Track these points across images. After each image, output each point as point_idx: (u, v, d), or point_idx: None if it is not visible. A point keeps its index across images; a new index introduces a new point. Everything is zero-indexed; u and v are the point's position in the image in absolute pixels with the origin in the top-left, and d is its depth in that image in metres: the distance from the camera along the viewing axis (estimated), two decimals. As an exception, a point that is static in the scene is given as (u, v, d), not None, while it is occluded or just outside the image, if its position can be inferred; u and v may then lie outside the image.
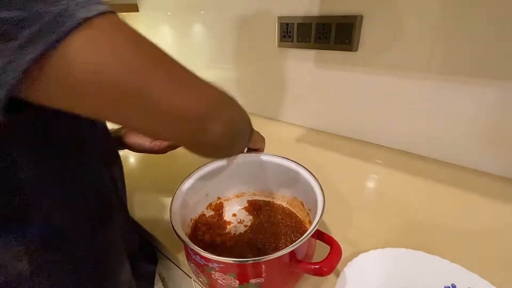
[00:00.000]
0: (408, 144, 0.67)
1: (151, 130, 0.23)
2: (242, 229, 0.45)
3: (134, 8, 1.12)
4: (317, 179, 0.40)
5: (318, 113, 0.80)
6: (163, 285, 0.56)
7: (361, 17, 0.60)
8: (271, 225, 0.44)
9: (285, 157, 0.45)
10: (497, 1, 0.47)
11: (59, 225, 0.28)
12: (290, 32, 0.71)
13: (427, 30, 0.55)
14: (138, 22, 1.16)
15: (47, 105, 0.19)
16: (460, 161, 0.61)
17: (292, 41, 0.72)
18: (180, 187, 0.40)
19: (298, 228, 0.43)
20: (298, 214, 0.46)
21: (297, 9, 0.69)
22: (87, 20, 0.17)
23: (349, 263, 0.37)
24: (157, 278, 0.50)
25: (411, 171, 0.60)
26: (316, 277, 0.36)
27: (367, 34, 0.61)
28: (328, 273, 0.31)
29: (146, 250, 0.45)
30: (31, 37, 0.16)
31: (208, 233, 0.42)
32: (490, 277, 0.35)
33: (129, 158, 0.70)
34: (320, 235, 0.36)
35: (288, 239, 0.41)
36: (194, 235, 0.42)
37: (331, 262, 0.31)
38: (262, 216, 0.47)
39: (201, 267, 0.33)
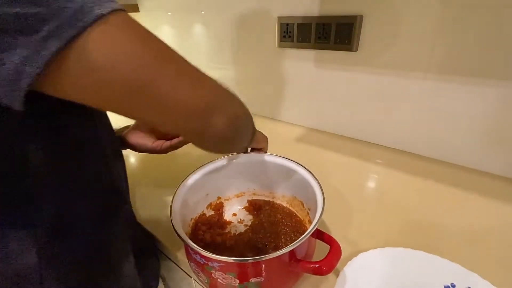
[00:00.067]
0: (408, 144, 0.67)
1: (159, 122, 0.24)
2: (242, 228, 0.45)
3: (135, 8, 1.13)
4: (316, 179, 0.40)
5: (318, 113, 0.80)
6: (163, 284, 0.56)
7: (361, 17, 0.60)
8: (271, 225, 0.44)
9: (285, 156, 0.45)
10: (497, 1, 0.47)
11: (67, 218, 0.29)
12: (290, 32, 0.72)
13: (427, 30, 0.55)
14: (138, 22, 1.16)
15: (62, 97, 0.20)
16: (460, 161, 0.61)
17: (292, 41, 0.72)
18: (180, 186, 0.41)
19: (298, 228, 0.43)
20: (298, 214, 0.46)
21: (297, 9, 0.69)
22: (102, 16, 0.18)
23: (349, 263, 0.38)
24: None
25: (411, 171, 0.60)
26: (316, 276, 0.36)
27: (367, 34, 0.62)
28: (327, 272, 0.31)
29: (150, 247, 0.45)
30: (52, 31, 0.17)
31: (209, 232, 0.43)
32: (490, 277, 0.35)
33: (129, 158, 0.70)
34: (320, 234, 0.36)
35: (288, 239, 0.42)
36: (195, 235, 0.42)
37: (331, 262, 0.31)
38: (262, 215, 0.47)
39: (201, 266, 0.33)
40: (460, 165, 0.61)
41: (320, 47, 0.68)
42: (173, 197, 0.39)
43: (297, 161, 0.44)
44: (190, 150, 0.49)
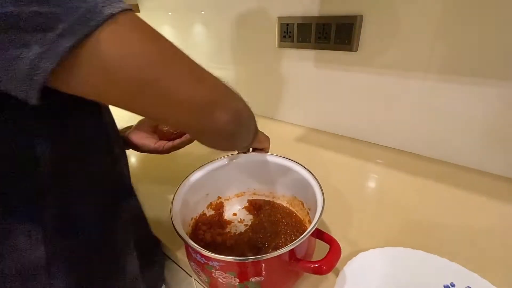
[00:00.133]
0: (408, 144, 0.67)
1: (165, 117, 0.25)
2: (242, 228, 0.45)
3: (135, 8, 1.13)
4: (316, 179, 0.40)
5: (318, 113, 0.80)
6: (164, 284, 0.56)
7: (361, 17, 0.60)
8: (271, 225, 0.45)
9: (285, 156, 0.45)
10: (498, 1, 0.47)
11: (75, 213, 0.30)
12: (290, 32, 0.72)
13: (427, 30, 0.55)
14: (139, 22, 1.16)
15: (75, 93, 0.21)
16: (460, 161, 0.61)
17: (292, 41, 0.72)
18: (180, 186, 0.41)
19: (298, 228, 0.43)
20: (298, 214, 0.46)
21: (297, 9, 0.69)
22: (112, 16, 0.19)
23: (348, 262, 0.38)
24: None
25: (411, 171, 0.60)
26: (316, 276, 0.36)
27: (367, 34, 0.62)
28: (327, 271, 0.31)
29: (155, 247, 0.45)
30: (66, 29, 0.18)
31: (209, 232, 0.43)
32: (490, 277, 0.35)
33: (129, 158, 0.70)
34: (319, 234, 0.36)
35: (288, 238, 0.42)
36: (195, 234, 0.42)
37: (331, 261, 0.31)
38: (262, 215, 0.47)
39: (202, 266, 0.33)
40: (460, 165, 0.61)
41: (320, 47, 0.68)
42: (174, 196, 0.39)
43: (297, 161, 0.44)
44: (190, 150, 0.50)
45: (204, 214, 0.47)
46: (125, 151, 0.40)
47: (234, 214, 0.49)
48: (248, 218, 0.48)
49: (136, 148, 0.47)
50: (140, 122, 0.49)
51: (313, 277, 0.38)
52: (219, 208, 0.48)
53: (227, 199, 0.50)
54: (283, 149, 0.49)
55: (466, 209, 0.50)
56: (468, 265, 0.37)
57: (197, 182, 0.43)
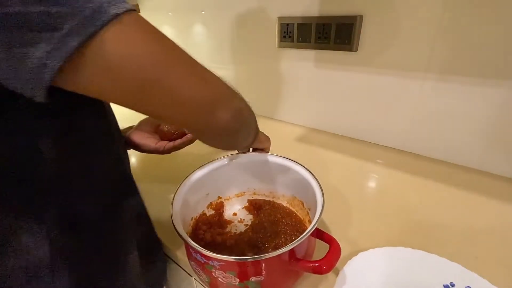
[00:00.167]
0: (408, 144, 0.67)
1: (168, 116, 0.25)
2: (242, 228, 0.45)
3: (135, 8, 1.13)
4: (316, 179, 0.40)
5: (318, 113, 0.80)
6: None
7: (361, 17, 0.61)
8: (271, 224, 0.45)
9: (285, 156, 0.45)
10: (498, 1, 0.47)
11: (78, 211, 0.30)
12: (290, 32, 0.72)
13: (427, 30, 0.55)
14: (139, 22, 1.16)
15: (80, 92, 0.21)
16: (461, 160, 0.61)
17: (292, 41, 0.72)
18: (181, 186, 0.41)
19: (298, 227, 0.44)
20: (298, 213, 0.46)
21: (297, 9, 0.69)
22: (117, 16, 0.19)
23: (348, 262, 0.38)
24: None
25: (411, 171, 0.60)
26: (316, 275, 0.37)
27: (367, 34, 0.62)
28: (327, 271, 0.31)
29: (157, 247, 0.45)
30: (73, 29, 0.18)
31: (209, 232, 0.43)
32: (490, 277, 0.35)
33: (130, 158, 0.70)
34: (319, 234, 0.36)
35: (288, 238, 0.42)
36: (195, 234, 0.42)
37: (330, 260, 0.31)
38: (262, 215, 0.47)
39: (202, 265, 0.33)
40: (460, 165, 0.61)
41: (320, 47, 0.68)
42: (174, 196, 0.39)
43: (297, 161, 0.44)
44: (191, 150, 0.50)
45: (204, 214, 0.47)
46: (127, 151, 0.40)
47: (234, 214, 0.49)
48: (248, 218, 0.48)
49: (137, 148, 0.47)
50: (141, 122, 0.50)
51: (313, 277, 0.38)
52: (219, 208, 0.48)
53: (227, 199, 0.50)
54: (283, 149, 0.49)
55: (466, 209, 0.50)
56: (468, 265, 0.37)
57: (197, 182, 0.43)
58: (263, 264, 0.31)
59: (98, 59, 0.19)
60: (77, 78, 0.20)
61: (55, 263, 0.28)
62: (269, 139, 0.46)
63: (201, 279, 0.37)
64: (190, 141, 0.48)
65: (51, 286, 0.29)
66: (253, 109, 0.33)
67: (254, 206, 0.49)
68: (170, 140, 0.48)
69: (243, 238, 0.43)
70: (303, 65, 0.75)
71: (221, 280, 0.32)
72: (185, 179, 0.42)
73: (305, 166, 0.43)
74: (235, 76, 0.94)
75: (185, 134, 0.49)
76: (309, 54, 0.73)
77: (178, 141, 0.47)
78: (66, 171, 0.28)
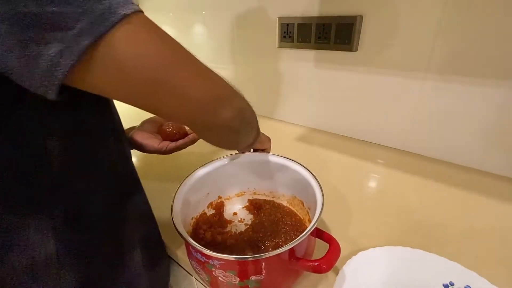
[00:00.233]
0: (408, 144, 0.67)
1: (173, 114, 0.26)
2: (242, 227, 0.46)
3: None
4: (316, 178, 0.40)
5: (318, 113, 0.80)
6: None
7: (361, 17, 0.61)
8: (271, 224, 0.45)
9: (285, 156, 0.45)
10: (498, 1, 0.47)
11: (84, 207, 0.30)
12: (290, 32, 0.72)
13: (427, 30, 0.55)
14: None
15: (90, 90, 0.22)
16: (461, 160, 0.61)
17: (292, 41, 0.72)
18: (181, 186, 0.41)
19: (298, 227, 0.44)
20: (298, 213, 0.46)
21: (297, 9, 0.69)
22: (126, 16, 0.20)
23: (348, 261, 0.38)
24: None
25: (411, 171, 0.60)
26: (316, 274, 0.37)
27: (367, 34, 0.62)
28: (326, 270, 0.31)
29: (161, 248, 0.46)
30: (84, 29, 0.19)
31: (209, 231, 0.43)
32: (489, 276, 0.35)
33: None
34: (319, 233, 0.36)
35: (288, 238, 0.42)
36: (195, 234, 0.43)
37: (330, 260, 0.31)
38: (262, 214, 0.47)
39: (202, 264, 0.33)
40: (460, 165, 0.61)
41: (320, 47, 0.68)
42: (174, 196, 0.39)
43: (297, 161, 0.44)
44: (192, 150, 0.50)
45: (205, 213, 0.47)
46: (129, 152, 0.40)
47: (235, 214, 0.49)
48: (248, 218, 0.48)
49: (140, 148, 0.47)
50: (144, 123, 0.50)
51: (313, 276, 0.38)
52: (219, 207, 0.49)
53: (228, 199, 0.50)
54: (283, 149, 0.49)
55: (466, 209, 0.50)
56: (467, 265, 0.37)
57: (197, 181, 0.43)
58: (263, 263, 0.31)
59: (108, 58, 0.20)
60: (87, 76, 0.21)
61: (62, 258, 0.29)
62: (269, 140, 0.46)
63: (201, 278, 0.38)
64: (192, 142, 0.48)
65: (57, 283, 0.29)
66: (253, 108, 0.33)
67: (254, 206, 0.49)
68: (172, 141, 0.48)
69: (243, 237, 0.43)
70: (303, 65, 0.75)
71: (221, 279, 0.33)
72: (185, 178, 0.42)
73: (305, 166, 0.43)
74: (235, 76, 0.94)
75: (187, 134, 0.49)
76: (309, 54, 0.73)
77: (180, 142, 0.48)
78: (73, 169, 0.29)
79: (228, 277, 0.32)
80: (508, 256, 0.40)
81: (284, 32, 0.73)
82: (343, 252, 0.34)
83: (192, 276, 0.48)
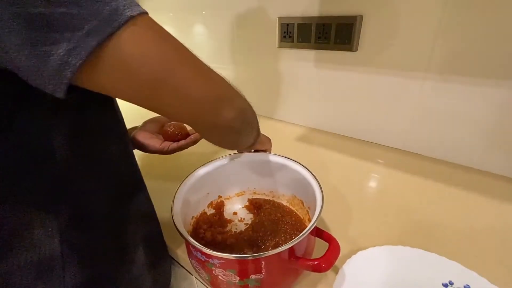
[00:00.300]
0: (409, 143, 0.67)
1: (176, 113, 0.26)
2: (242, 227, 0.46)
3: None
4: (316, 178, 0.40)
5: (318, 113, 0.80)
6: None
7: (361, 17, 0.61)
8: (271, 223, 0.45)
9: (285, 156, 0.45)
10: (498, 1, 0.47)
11: (88, 205, 0.31)
12: (290, 32, 0.72)
13: (427, 30, 0.55)
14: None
15: (96, 89, 0.23)
16: (461, 160, 0.61)
17: (292, 41, 0.73)
18: (181, 185, 0.41)
19: (298, 226, 0.44)
20: (298, 213, 0.46)
21: (297, 9, 0.69)
22: (132, 18, 0.21)
23: (348, 260, 0.38)
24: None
25: (411, 171, 0.60)
26: (316, 273, 0.37)
27: (367, 34, 0.62)
28: (326, 269, 0.31)
29: (163, 249, 0.46)
30: (92, 29, 0.19)
31: (209, 231, 0.43)
32: (489, 276, 0.35)
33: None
34: (319, 232, 0.36)
35: (288, 237, 0.42)
36: (196, 233, 0.43)
37: (329, 259, 0.32)
38: (262, 214, 0.47)
39: (202, 264, 0.33)
40: (460, 165, 0.61)
41: (320, 47, 0.68)
42: (175, 195, 0.39)
43: (297, 161, 0.44)
44: (192, 150, 0.50)
45: (205, 213, 0.47)
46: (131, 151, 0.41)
47: (235, 213, 0.49)
48: (248, 217, 0.48)
49: (142, 148, 0.48)
50: (145, 123, 0.50)
51: (313, 275, 0.38)
52: (219, 207, 0.49)
53: (228, 198, 0.50)
54: (283, 148, 0.49)
55: (466, 209, 0.50)
56: (467, 264, 0.37)
57: (197, 181, 0.43)
58: (263, 262, 0.31)
59: (114, 58, 0.21)
60: (94, 76, 0.21)
61: (66, 256, 0.29)
62: (270, 140, 0.46)
63: (201, 277, 0.38)
64: (194, 142, 0.48)
65: (61, 281, 0.29)
66: (253, 109, 0.33)
67: (254, 205, 0.49)
68: (174, 141, 0.48)
69: (243, 237, 0.43)
70: (303, 65, 0.75)
71: (221, 278, 0.33)
72: (185, 178, 0.42)
73: (305, 166, 0.43)
74: (235, 76, 0.94)
75: (188, 135, 0.49)
76: (309, 54, 0.73)
77: (182, 142, 0.48)
78: (77, 169, 0.29)
79: (228, 276, 0.32)
80: (508, 256, 0.40)
81: (284, 32, 0.73)
82: (343, 252, 0.34)
83: (192, 275, 0.48)
